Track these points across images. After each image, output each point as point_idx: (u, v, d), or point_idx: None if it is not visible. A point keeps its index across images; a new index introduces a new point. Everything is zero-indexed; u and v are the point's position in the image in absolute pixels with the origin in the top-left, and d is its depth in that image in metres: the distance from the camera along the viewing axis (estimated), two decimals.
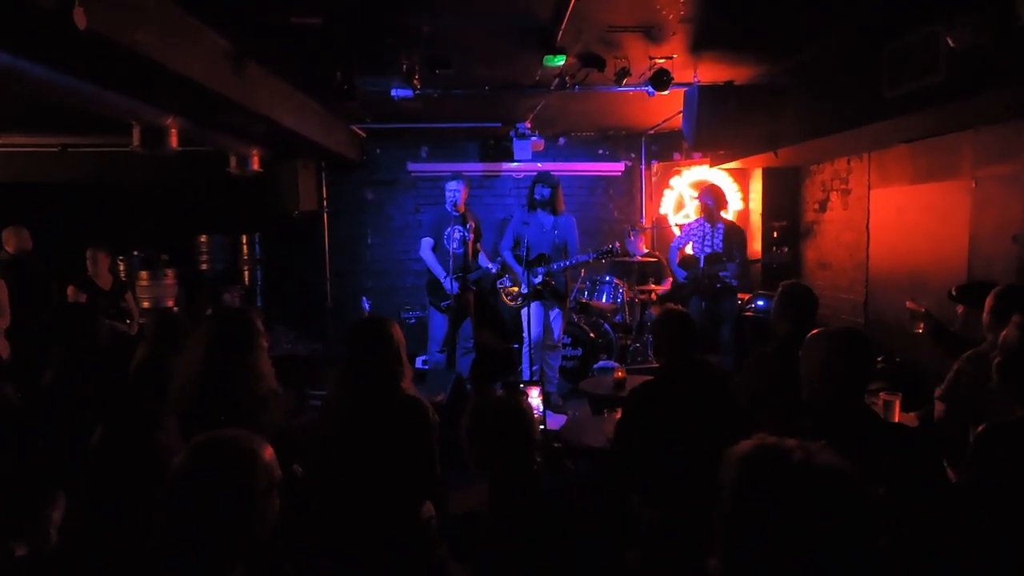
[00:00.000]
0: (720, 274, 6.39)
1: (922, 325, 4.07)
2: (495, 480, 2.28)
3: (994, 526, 2.16)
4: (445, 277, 6.52)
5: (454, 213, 6.59)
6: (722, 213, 6.70)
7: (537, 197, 6.47)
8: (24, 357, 5.48)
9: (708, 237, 6.54)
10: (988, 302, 3.47)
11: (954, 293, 4.07)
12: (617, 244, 6.39)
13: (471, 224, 6.70)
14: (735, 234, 6.61)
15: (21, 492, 2.92)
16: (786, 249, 6.86)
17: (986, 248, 5.07)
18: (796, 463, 1.33)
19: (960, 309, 3.94)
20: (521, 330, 6.58)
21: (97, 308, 5.82)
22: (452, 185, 6.60)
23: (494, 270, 6.71)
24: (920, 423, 3.83)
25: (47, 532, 2.56)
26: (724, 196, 6.78)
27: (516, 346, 7.26)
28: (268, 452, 1.79)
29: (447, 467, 2.98)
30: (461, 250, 6.59)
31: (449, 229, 6.62)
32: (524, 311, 6.47)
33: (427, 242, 6.69)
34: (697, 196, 6.80)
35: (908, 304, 4.18)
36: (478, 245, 6.89)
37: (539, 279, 6.38)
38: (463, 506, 2.62)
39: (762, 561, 1.31)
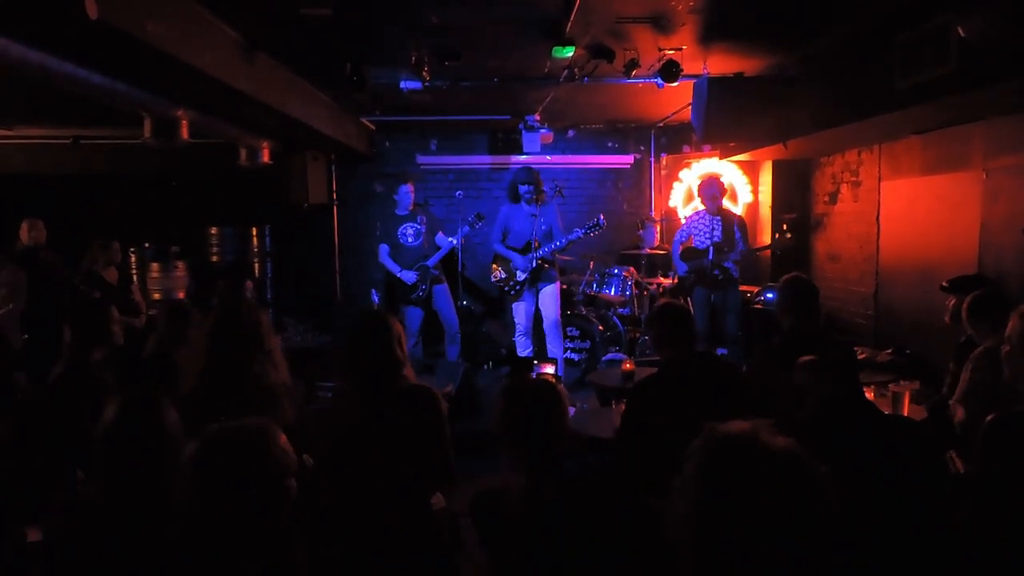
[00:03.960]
0: (723, 264, 6.39)
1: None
2: (530, 462, 2.27)
3: (1002, 516, 2.16)
4: (400, 271, 6.90)
5: (403, 213, 7.03)
6: (724, 203, 6.79)
7: (522, 193, 6.53)
8: (37, 347, 5.53)
9: (706, 230, 6.61)
10: (965, 314, 3.58)
11: (946, 285, 4.13)
12: (602, 216, 6.46)
13: (422, 218, 7.06)
14: (734, 221, 6.66)
15: (34, 478, 2.95)
16: (789, 235, 6.88)
17: (997, 239, 5.04)
18: (755, 448, 1.36)
19: (951, 301, 4.02)
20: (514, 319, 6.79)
21: (108, 302, 5.87)
22: (404, 188, 7.05)
23: (455, 243, 6.95)
24: (929, 414, 3.83)
25: (60, 517, 2.59)
26: (717, 185, 6.79)
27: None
28: (282, 439, 1.79)
29: (459, 456, 2.99)
30: (417, 242, 6.99)
31: (403, 227, 7.01)
32: (515, 306, 6.60)
33: (383, 248, 7.05)
34: (699, 190, 6.82)
35: None
36: (434, 236, 7.11)
37: (534, 264, 6.51)
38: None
39: (727, 548, 1.33)
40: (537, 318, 6.72)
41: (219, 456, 1.71)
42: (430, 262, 6.95)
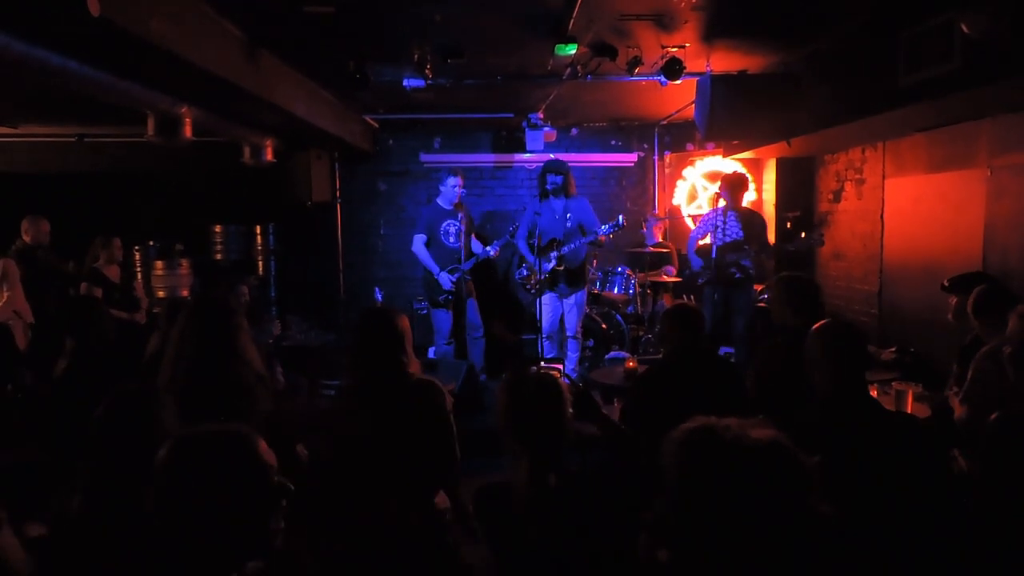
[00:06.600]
0: (741, 262, 6.20)
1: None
2: (532, 454, 2.27)
3: (1004, 515, 2.16)
4: (440, 272, 6.58)
5: (449, 208, 6.67)
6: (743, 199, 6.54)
7: (549, 186, 6.40)
8: (39, 346, 5.54)
9: (722, 227, 6.43)
10: (971, 310, 3.59)
11: (946, 284, 4.13)
12: (622, 216, 6.23)
13: (462, 215, 6.73)
14: (753, 219, 6.41)
15: (38, 474, 2.96)
16: (804, 234, 6.69)
17: (1001, 238, 5.02)
18: (729, 441, 1.35)
19: (953, 300, 4.01)
20: (536, 320, 6.62)
21: (110, 301, 5.88)
22: (452, 181, 6.60)
23: (492, 254, 6.71)
24: (933, 413, 3.82)
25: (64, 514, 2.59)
26: (743, 182, 6.53)
27: (531, 336, 7.26)
28: (263, 445, 1.66)
29: (462, 455, 2.99)
30: (458, 243, 6.65)
31: (445, 224, 6.68)
32: (538, 301, 6.48)
33: (420, 238, 6.70)
34: (724, 185, 6.57)
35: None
36: (472, 235, 6.90)
37: (552, 264, 6.37)
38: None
39: (707, 543, 1.32)
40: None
41: (190, 461, 1.59)
42: (464, 267, 6.65)
